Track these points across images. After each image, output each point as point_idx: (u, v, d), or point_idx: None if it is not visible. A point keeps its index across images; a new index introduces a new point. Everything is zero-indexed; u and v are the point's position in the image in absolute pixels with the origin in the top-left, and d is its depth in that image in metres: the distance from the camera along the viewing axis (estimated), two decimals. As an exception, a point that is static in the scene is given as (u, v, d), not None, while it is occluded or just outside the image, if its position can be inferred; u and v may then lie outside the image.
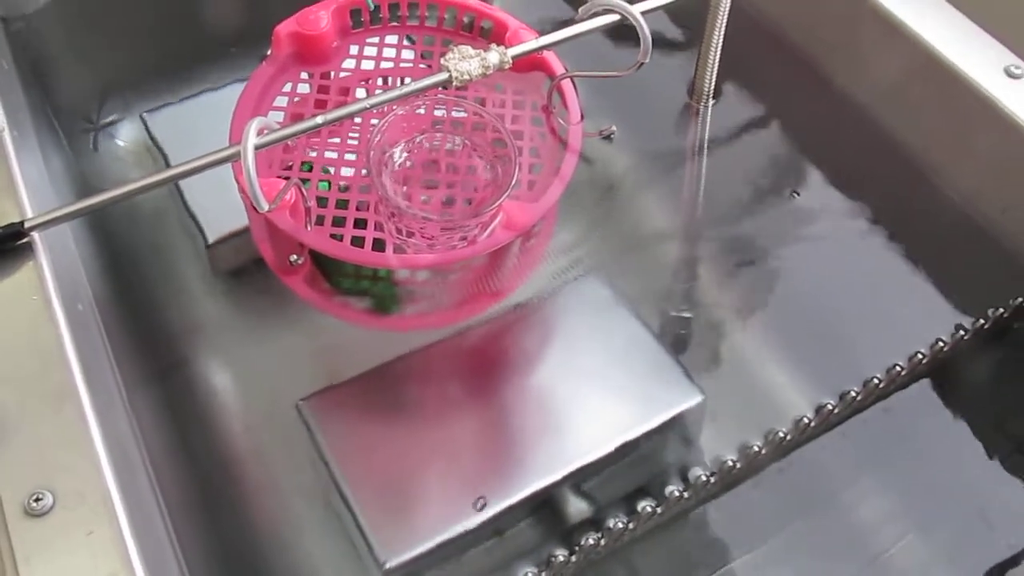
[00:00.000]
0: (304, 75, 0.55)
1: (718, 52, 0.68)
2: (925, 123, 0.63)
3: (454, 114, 0.51)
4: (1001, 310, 0.59)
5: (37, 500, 0.39)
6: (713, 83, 0.71)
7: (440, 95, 0.51)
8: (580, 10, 0.52)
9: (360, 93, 0.54)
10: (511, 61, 0.51)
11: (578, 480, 0.54)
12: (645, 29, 0.50)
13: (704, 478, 0.55)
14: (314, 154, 0.51)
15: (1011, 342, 0.60)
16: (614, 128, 0.67)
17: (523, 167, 0.51)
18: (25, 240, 0.46)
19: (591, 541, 0.53)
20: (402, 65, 0.56)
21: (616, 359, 0.57)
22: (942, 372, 0.60)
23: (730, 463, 0.55)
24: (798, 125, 0.71)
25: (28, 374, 0.42)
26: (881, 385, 0.57)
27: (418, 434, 0.55)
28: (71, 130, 0.71)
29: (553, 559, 0.52)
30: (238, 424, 0.61)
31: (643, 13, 0.51)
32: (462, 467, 0.53)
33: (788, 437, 0.56)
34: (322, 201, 0.49)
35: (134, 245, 0.68)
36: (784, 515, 0.57)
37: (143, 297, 0.66)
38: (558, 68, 0.54)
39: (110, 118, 0.74)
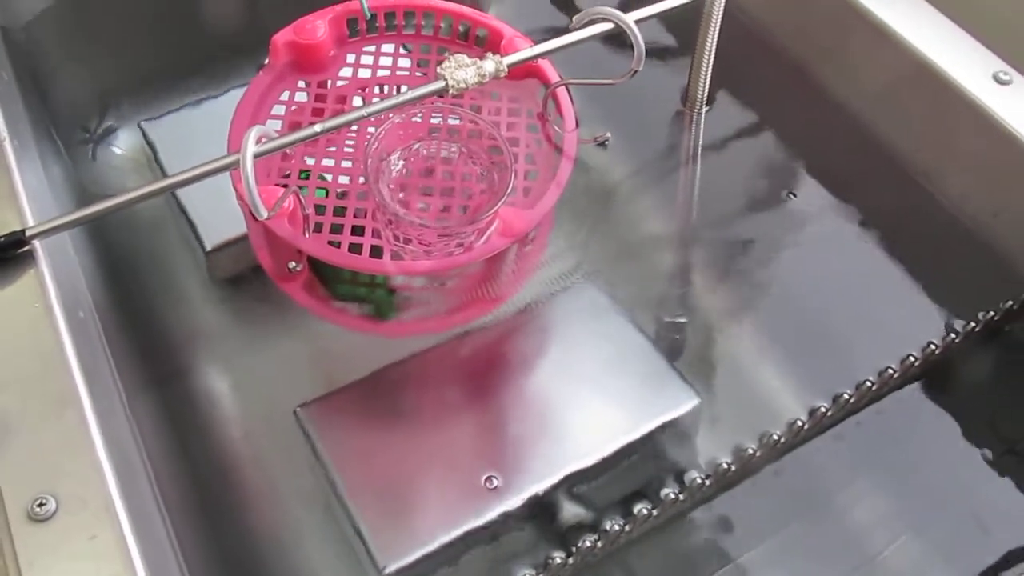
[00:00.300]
0: (301, 84, 0.55)
1: (711, 59, 0.68)
2: (916, 128, 0.63)
3: (450, 122, 0.52)
4: (992, 313, 0.59)
5: (40, 505, 0.39)
6: (706, 90, 0.71)
7: (436, 103, 0.51)
8: (574, 18, 0.52)
9: (357, 101, 0.54)
10: (507, 69, 0.51)
11: (575, 483, 0.54)
12: (639, 37, 0.50)
13: (699, 480, 0.55)
14: (312, 162, 0.51)
15: (1002, 344, 0.60)
16: (609, 135, 0.68)
17: (519, 174, 0.51)
18: (26, 248, 0.47)
19: (588, 543, 0.53)
20: (398, 73, 0.56)
21: (612, 364, 0.58)
22: (934, 374, 0.60)
23: (725, 466, 0.55)
24: (791, 131, 0.71)
25: (30, 380, 0.43)
26: (873, 388, 0.58)
27: (416, 439, 0.55)
28: (69, 139, 0.71)
29: (550, 561, 0.53)
30: (237, 430, 0.61)
31: (637, 21, 0.51)
32: (459, 471, 0.54)
33: (782, 439, 0.56)
34: (320, 208, 0.50)
35: (133, 253, 0.68)
36: (779, 517, 0.57)
37: (142, 304, 0.66)
38: (553, 76, 0.54)
39: (108, 127, 0.74)
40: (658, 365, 0.58)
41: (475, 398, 0.57)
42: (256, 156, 0.44)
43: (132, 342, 0.57)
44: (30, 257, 0.47)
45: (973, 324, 0.59)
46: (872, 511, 0.58)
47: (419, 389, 0.58)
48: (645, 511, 0.54)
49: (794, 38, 0.70)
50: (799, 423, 0.57)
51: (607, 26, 0.52)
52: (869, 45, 0.63)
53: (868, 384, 0.58)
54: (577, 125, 0.53)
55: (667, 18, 0.56)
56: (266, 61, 0.54)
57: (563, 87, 0.54)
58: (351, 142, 0.52)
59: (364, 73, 0.56)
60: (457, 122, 0.52)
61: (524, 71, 0.54)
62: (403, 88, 0.54)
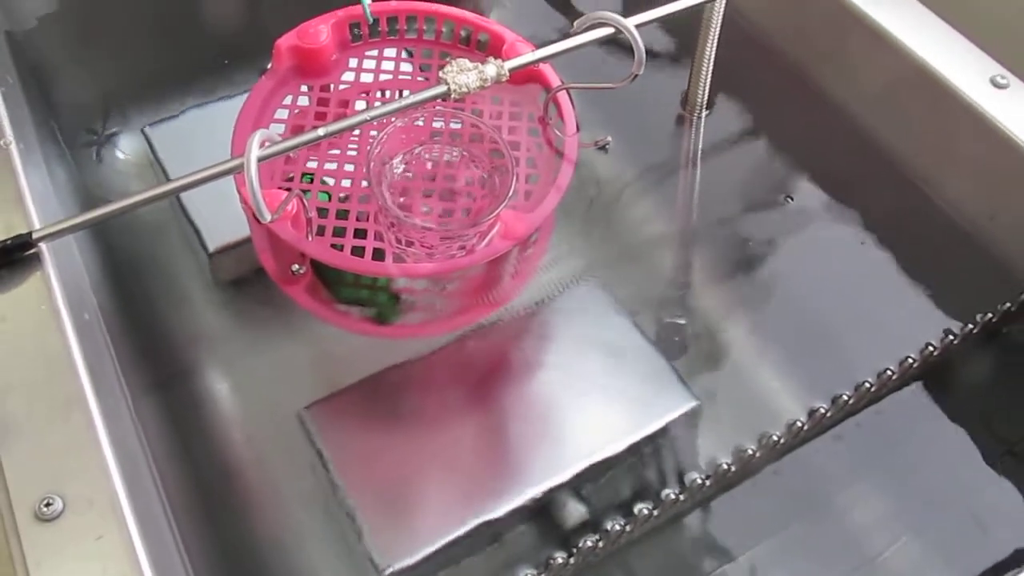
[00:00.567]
0: (304, 88, 0.55)
1: (711, 64, 0.68)
2: (914, 132, 0.63)
3: (452, 126, 0.52)
4: (990, 315, 0.59)
5: (47, 505, 0.39)
6: (706, 94, 0.71)
7: (438, 107, 0.52)
8: (575, 23, 0.53)
9: (359, 105, 0.54)
10: (508, 74, 0.51)
11: (575, 485, 0.54)
12: (639, 42, 0.51)
13: (699, 481, 0.55)
14: (314, 165, 0.52)
15: (1000, 346, 0.61)
16: (609, 139, 0.68)
17: (520, 177, 0.51)
18: (33, 251, 0.47)
19: (589, 543, 0.53)
20: (400, 78, 0.56)
21: (613, 365, 0.58)
22: (933, 376, 0.61)
23: (725, 466, 0.56)
24: (790, 135, 0.71)
25: (37, 382, 0.43)
26: (872, 389, 0.58)
27: (417, 441, 0.55)
28: (74, 142, 0.72)
29: (552, 561, 0.53)
30: (240, 431, 0.61)
31: (637, 26, 0.52)
32: (461, 473, 0.54)
33: (781, 440, 0.56)
34: (322, 212, 0.50)
35: (136, 256, 0.68)
36: (779, 518, 0.57)
37: (145, 307, 0.66)
38: (554, 80, 0.54)
39: (112, 130, 0.75)
40: (658, 366, 0.58)
41: (476, 400, 0.57)
42: (260, 160, 0.45)
43: (136, 344, 0.58)
44: (36, 260, 0.47)
45: (971, 326, 0.59)
46: (871, 512, 0.58)
47: (421, 391, 0.58)
48: (646, 511, 0.54)
49: (793, 43, 0.70)
50: (798, 424, 0.57)
51: (608, 30, 0.52)
52: (867, 49, 0.64)
53: (867, 385, 0.58)
54: (578, 129, 0.53)
55: (667, 23, 0.56)
56: (269, 65, 0.54)
57: (564, 91, 0.54)
58: (354, 146, 0.53)
59: (366, 77, 0.56)
60: (459, 126, 0.52)
61: (525, 75, 0.54)
62: (405, 92, 0.54)
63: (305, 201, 0.48)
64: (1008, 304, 0.59)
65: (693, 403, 0.56)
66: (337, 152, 0.52)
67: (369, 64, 0.56)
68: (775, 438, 0.56)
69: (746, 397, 0.63)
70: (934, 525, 0.58)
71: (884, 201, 0.66)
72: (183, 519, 0.48)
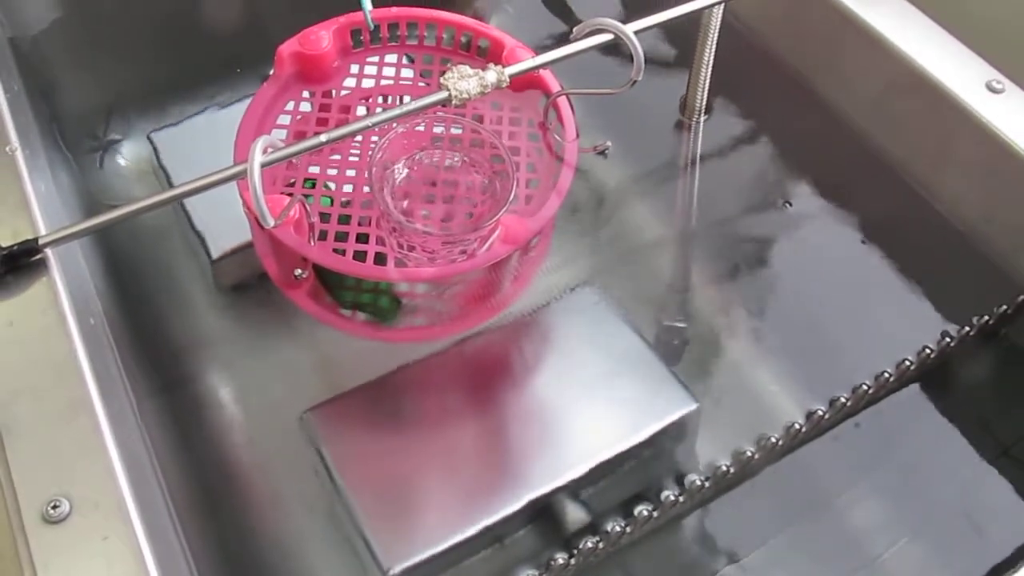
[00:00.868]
0: (306, 94, 0.55)
1: (709, 69, 0.69)
2: (910, 136, 0.64)
3: (453, 131, 0.52)
4: (986, 317, 0.59)
5: (54, 507, 0.40)
6: (704, 99, 0.71)
7: (439, 113, 0.52)
8: (575, 29, 0.53)
9: (361, 111, 0.55)
10: (508, 80, 0.51)
11: (576, 487, 0.54)
12: (638, 48, 0.51)
13: (699, 483, 0.56)
14: (316, 171, 0.52)
15: (997, 348, 0.61)
16: (609, 144, 0.68)
17: (520, 182, 0.52)
18: (39, 256, 0.47)
19: (589, 545, 0.53)
20: (401, 83, 0.56)
21: (612, 369, 0.58)
22: (931, 378, 0.61)
23: (724, 468, 0.56)
24: (787, 139, 0.72)
25: (44, 386, 0.43)
26: (870, 391, 0.58)
27: (419, 443, 0.55)
28: (77, 148, 0.72)
29: (552, 563, 0.53)
30: (242, 434, 0.61)
31: (636, 32, 0.52)
32: (463, 475, 0.54)
33: (780, 442, 0.56)
34: (325, 217, 0.50)
35: (139, 261, 0.69)
36: (778, 520, 0.57)
37: (149, 312, 0.66)
38: (554, 86, 0.55)
39: (115, 136, 0.75)
40: (657, 369, 0.58)
41: (477, 403, 0.57)
42: (263, 166, 0.45)
43: (139, 349, 0.58)
44: (42, 265, 0.47)
45: (968, 328, 0.59)
46: (869, 513, 0.58)
47: (422, 394, 0.58)
48: (645, 513, 0.54)
49: (790, 48, 0.70)
50: (797, 426, 0.57)
51: (607, 37, 0.52)
52: (864, 54, 0.64)
53: (864, 388, 0.58)
54: (578, 134, 0.54)
55: (666, 29, 0.56)
56: (271, 72, 0.55)
57: (564, 97, 0.54)
58: (355, 151, 0.53)
59: (368, 83, 0.56)
60: (460, 131, 0.52)
61: (526, 81, 0.54)
62: (406, 98, 0.54)
63: (307, 206, 0.49)
64: (1005, 306, 0.60)
65: (692, 405, 0.56)
66: (339, 158, 0.53)
67: (370, 70, 0.56)
68: (774, 440, 0.57)
69: (745, 399, 0.63)
70: (931, 526, 0.58)
71: (881, 205, 0.66)
72: (187, 521, 0.49)
